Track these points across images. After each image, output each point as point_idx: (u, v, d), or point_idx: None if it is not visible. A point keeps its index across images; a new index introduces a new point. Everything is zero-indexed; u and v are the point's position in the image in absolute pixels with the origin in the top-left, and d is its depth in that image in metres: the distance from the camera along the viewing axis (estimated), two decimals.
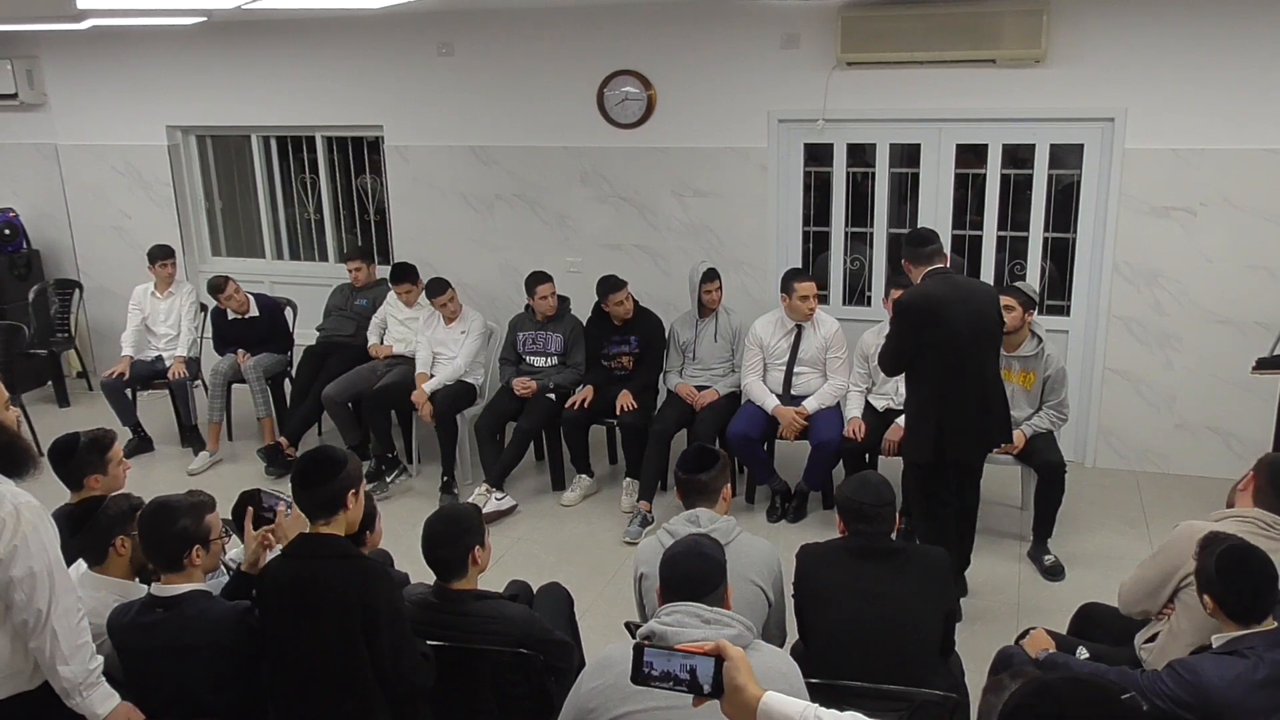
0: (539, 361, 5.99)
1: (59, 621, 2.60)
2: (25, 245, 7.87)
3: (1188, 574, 3.00)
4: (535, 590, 3.66)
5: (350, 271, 6.62)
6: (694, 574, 2.48)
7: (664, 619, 2.40)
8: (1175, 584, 3.08)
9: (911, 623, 3.03)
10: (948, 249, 4.46)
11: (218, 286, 6.37)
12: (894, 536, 3.26)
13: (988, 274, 6.03)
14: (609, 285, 5.73)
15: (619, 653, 2.44)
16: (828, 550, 3.22)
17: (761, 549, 3.24)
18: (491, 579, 3.27)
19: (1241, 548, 2.75)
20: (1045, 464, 4.87)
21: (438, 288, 5.95)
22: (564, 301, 6.03)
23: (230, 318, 6.50)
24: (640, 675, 1.79)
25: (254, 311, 6.51)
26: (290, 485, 3.01)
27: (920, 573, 3.14)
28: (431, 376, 5.96)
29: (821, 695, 2.57)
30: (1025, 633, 3.37)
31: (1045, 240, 5.96)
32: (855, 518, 3.17)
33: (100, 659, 2.70)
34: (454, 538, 3.01)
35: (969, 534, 4.58)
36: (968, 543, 4.58)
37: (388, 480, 5.92)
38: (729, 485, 3.38)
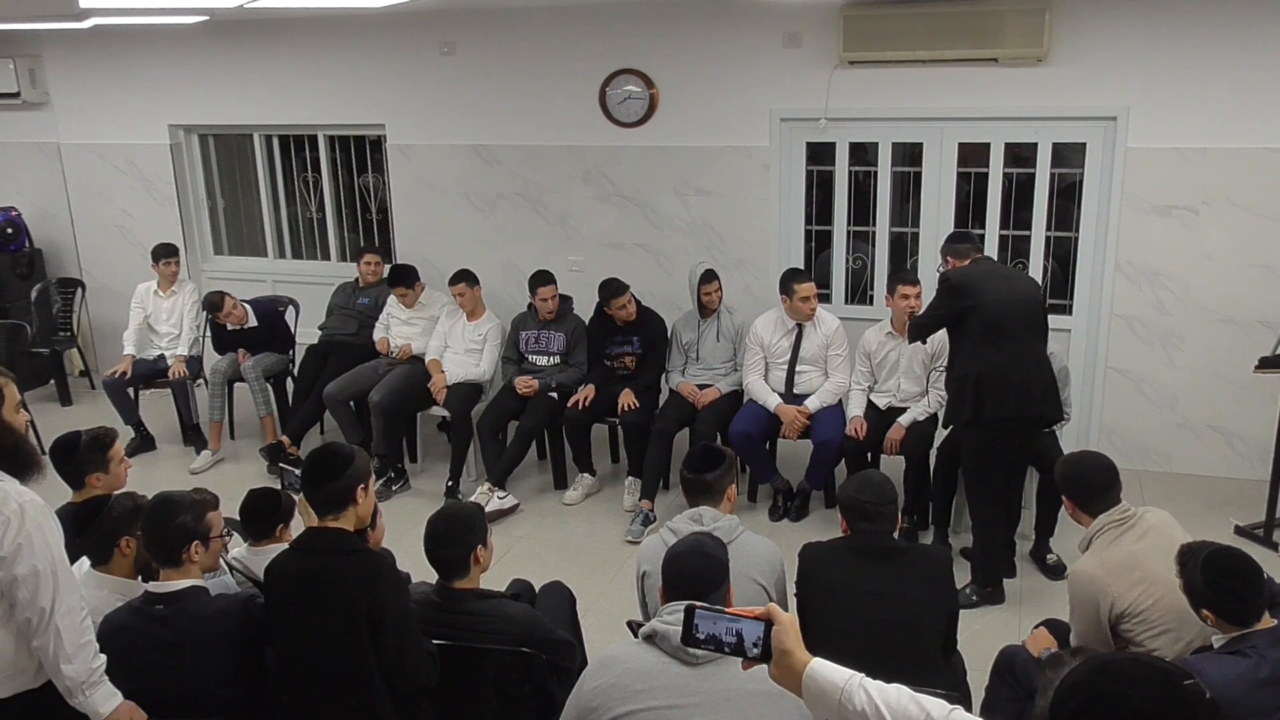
0: (541, 360, 6.00)
1: (62, 620, 2.60)
2: (28, 244, 7.87)
3: (1112, 608, 3.09)
4: (537, 589, 3.66)
5: (368, 265, 6.61)
6: (696, 573, 2.48)
7: (666, 618, 2.40)
8: (1109, 621, 3.12)
9: (914, 622, 3.03)
10: (949, 256, 4.73)
11: (214, 304, 6.30)
12: (896, 535, 3.26)
13: None
14: (611, 290, 5.73)
15: (621, 652, 2.44)
16: (830, 549, 3.22)
17: (764, 548, 3.24)
18: (493, 578, 3.27)
19: (1220, 553, 2.76)
20: (1047, 463, 4.85)
21: (459, 277, 6.01)
22: (566, 301, 6.03)
23: (230, 328, 6.48)
24: (689, 637, 1.81)
25: (252, 322, 6.49)
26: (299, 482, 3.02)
27: (923, 572, 3.14)
28: (443, 371, 5.99)
29: None
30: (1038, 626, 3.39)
31: (1047, 239, 5.95)
32: (858, 516, 3.17)
33: (103, 658, 2.70)
34: (456, 537, 3.01)
35: (1015, 518, 4.87)
36: (1013, 526, 4.85)
37: (392, 488, 5.92)
38: (734, 485, 3.39)
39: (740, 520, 3.28)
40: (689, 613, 1.81)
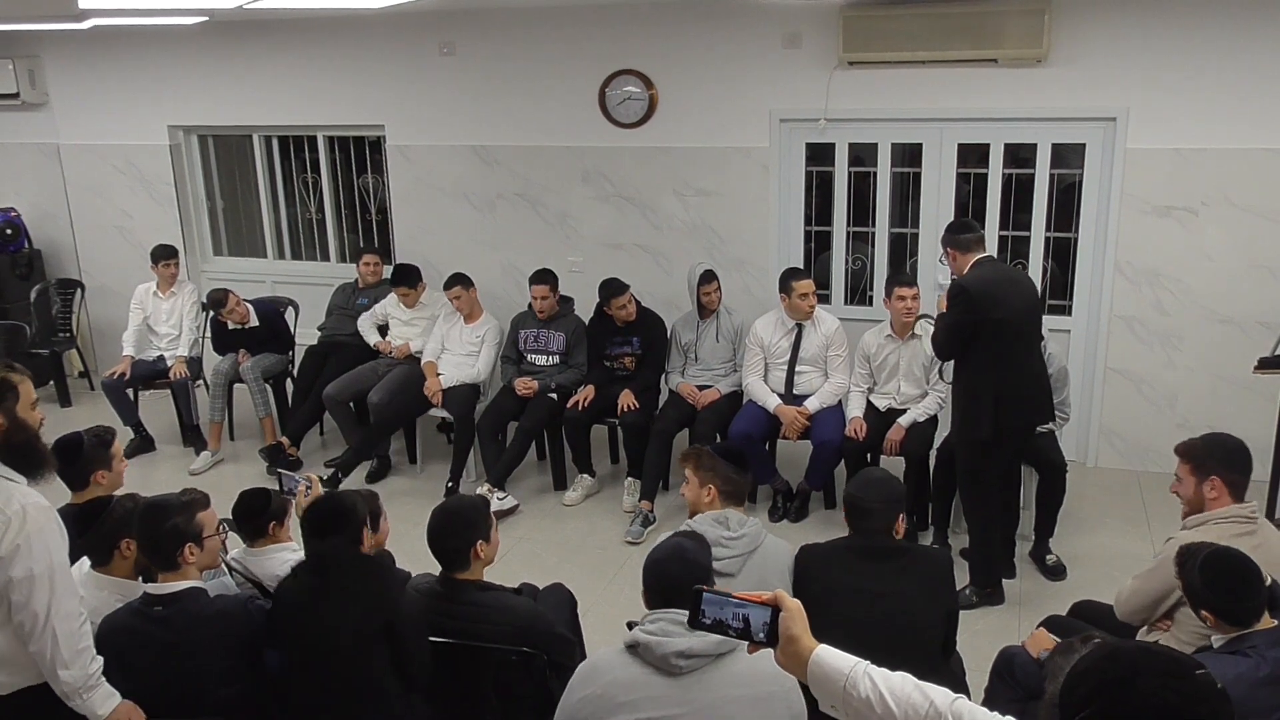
0: (541, 360, 5.99)
1: (59, 625, 2.58)
2: (27, 245, 7.87)
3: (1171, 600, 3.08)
4: (540, 590, 3.65)
5: (367, 265, 6.62)
6: (675, 577, 2.43)
7: (648, 627, 2.37)
8: (1176, 598, 3.11)
9: (913, 623, 3.02)
10: (950, 248, 4.57)
11: (219, 301, 6.31)
12: (898, 536, 3.25)
13: None
14: (611, 289, 5.72)
15: (604, 661, 2.41)
16: (829, 550, 3.21)
17: (784, 552, 3.24)
18: (494, 578, 3.27)
19: (1218, 554, 2.76)
20: (1047, 463, 4.87)
21: (454, 280, 5.99)
22: (567, 302, 6.03)
23: (230, 328, 6.48)
24: (696, 621, 1.83)
25: (254, 321, 6.49)
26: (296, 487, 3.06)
27: (922, 573, 3.13)
28: (440, 374, 5.98)
29: None
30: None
31: (1047, 240, 5.95)
32: (857, 515, 3.16)
33: (100, 660, 2.70)
34: (456, 531, 3.03)
35: (1014, 518, 4.80)
36: (1012, 526, 4.80)
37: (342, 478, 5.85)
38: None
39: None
40: (696, 595, 1.82)
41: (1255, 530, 3.20)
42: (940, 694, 1.69)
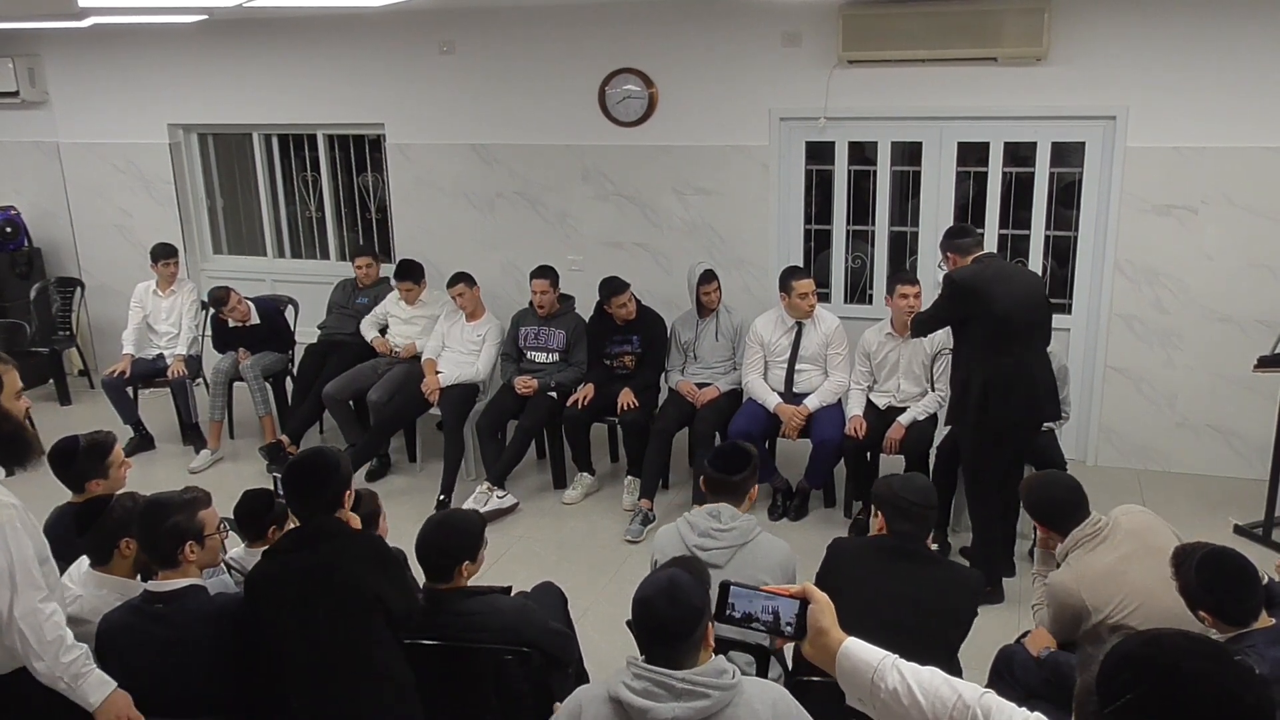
0: (540, 358, 5.99)
1: (23, 622, 2.58)
2: (27, 243, 7.87)
3: (1090, 619, 3.09)
4: (530, 590, 3.65)
5: (360, 268, 6.62)
6: (664, 620, 2.23)
7: (633, 684, 2.21)
8: (1094, 622, 3.12)
9: (923, 629, 2.97)
10: (949, 253, 4.65)
11: (220, 299, 6.31)
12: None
13: None
14: (612, 288, 5.72)
15: (590, 714, 2.30)
16: (858, 545, 3.24)
17: (779, 552, 3.23)
18: (492, 577, 3.28)
19: (1214, 554, 2.77)
20: (1046, 462, 4.87)
21: (457, 279, 5.99)
22: (568, 300, 6.03)
23: (231, 326, 6.48)
24: (722, 615, 1.82)
25: (255, 320, 6.49)
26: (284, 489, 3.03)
27: (946, 584, 3.11)
28: (439, 371, 5.97)
29: (818, 692, 2.57)
30: (1027, 632, 3.38)
31: (1047, 238, 5.95)
32: (897, 514, 3.14)
33: (80, 649, 2.68)
34: (445, 548, 3.03)
35: (1014, 516, 4.79)
36: (1012, 525, 4.81)
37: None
38: (756, 486, 3.40)
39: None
40: (723, 589, 1.81)
41: (1107, 534, 3.23)
42: (969, 688, 1.70)
